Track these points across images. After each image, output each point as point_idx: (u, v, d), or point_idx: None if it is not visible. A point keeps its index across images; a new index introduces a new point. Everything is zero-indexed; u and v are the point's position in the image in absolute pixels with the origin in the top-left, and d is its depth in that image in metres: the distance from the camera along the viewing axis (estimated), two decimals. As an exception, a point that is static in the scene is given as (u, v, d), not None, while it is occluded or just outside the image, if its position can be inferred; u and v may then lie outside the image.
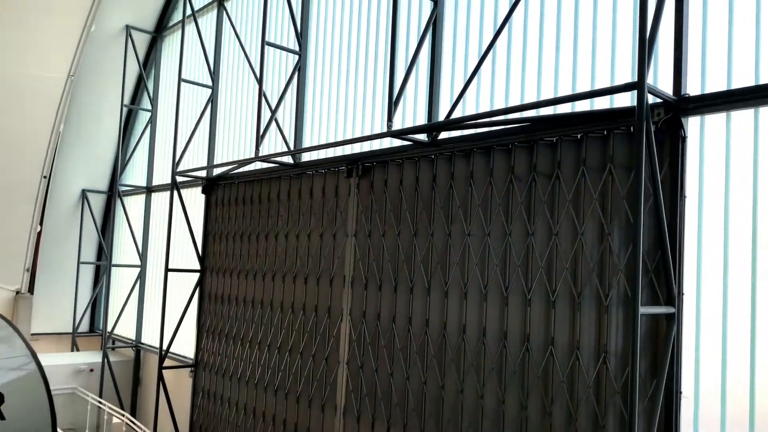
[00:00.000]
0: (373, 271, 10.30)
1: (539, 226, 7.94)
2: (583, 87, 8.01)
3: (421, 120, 10.28)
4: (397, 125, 9.60)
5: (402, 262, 9.78)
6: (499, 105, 9.12)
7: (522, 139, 8.21)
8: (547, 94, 8.39)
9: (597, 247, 7.35)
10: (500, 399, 8.13)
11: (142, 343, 18.86)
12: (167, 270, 15.64)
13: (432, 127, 9.07)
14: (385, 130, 9.53)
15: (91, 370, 18.34)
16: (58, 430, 8.98)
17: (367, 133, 10.38)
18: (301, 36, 13.11)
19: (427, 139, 9.43)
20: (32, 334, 18.94)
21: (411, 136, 9.31)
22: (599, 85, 7.83)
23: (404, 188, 9.90)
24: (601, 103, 7.72)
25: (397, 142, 10.11)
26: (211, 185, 15.19)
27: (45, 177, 19.06)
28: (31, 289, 19.84)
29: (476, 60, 8.87)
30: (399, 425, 9.54)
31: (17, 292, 19.54)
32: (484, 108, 9.31)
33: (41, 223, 19.69)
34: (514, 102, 8.77)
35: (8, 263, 19.19)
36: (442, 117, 9.69)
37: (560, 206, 7.74)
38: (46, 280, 20.34)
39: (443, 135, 9.33)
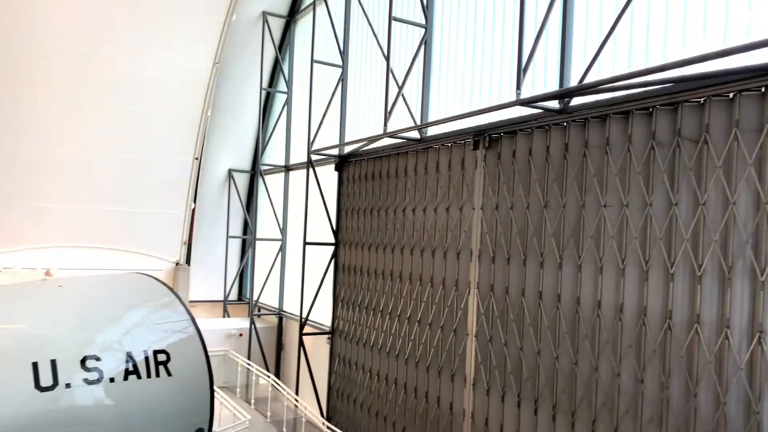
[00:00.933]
0: (501, 244, 10.15)
1: (684, 196, 7.33)
2: (737, 40, 7.19)
3: (552, 87, 9.85)
4: (525, 93, 9.29)
5: (531, 235, 9.53)
6: (638, 66, 8.47)
7: (664, 101, 7.59)
8: (693, 51, 7.66)
9: (752, 218, 6.65)
10: (638, 378, 7.72)
11: (284, 311, 20.22)
12: (305, 243, 16.56)
13: (564, 93, 8.66)
14: (513, 99, 9.25)
15: (240, 335, 20.05)
16: (214, 387, 9.95)
17: (494, 103, 10.16)
18: (427, 8, 13.06)
19: (558, 105, 9.03)
20: (190, 301, 21.06)
21: (541, 103, 8.97)
22: (757, 37, 6.99)
23: (533, 159, 9.59)
24: (758, 57, 6.89)
25: (525, 111, 9.79)
26: (342, 162, 15.76)
27: (196, 159, 20.92)
28: (188, 261, 22.03)
29: (612, 18, 8.29)
30: (530, 399, 9.42)
31: (176, 264, 21.81)
32: (621, 70, 8.69)
33: (195, 201, 21.69)
34: (655, 62, 8.10)
35: (168, 238, 21.43)
36: (574, 82, 9.22)
37: (708, 173, 7.08)
38: (200, 252, 22.43)
39: (576, 101, 8.88)
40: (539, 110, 9.22)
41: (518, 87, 9.12)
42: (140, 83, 18.81)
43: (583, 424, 8.48)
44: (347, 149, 15.58)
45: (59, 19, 17.08)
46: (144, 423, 8.71)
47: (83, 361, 8.22)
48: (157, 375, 8.91)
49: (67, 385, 7.96)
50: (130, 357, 8.71)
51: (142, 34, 18.19)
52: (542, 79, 10.09)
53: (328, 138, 17.24)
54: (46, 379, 7.81)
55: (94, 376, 8.27)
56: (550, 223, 9.19)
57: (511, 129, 10.06)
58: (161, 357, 9.05)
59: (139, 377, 8.70)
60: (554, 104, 9.01)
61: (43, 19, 16.85)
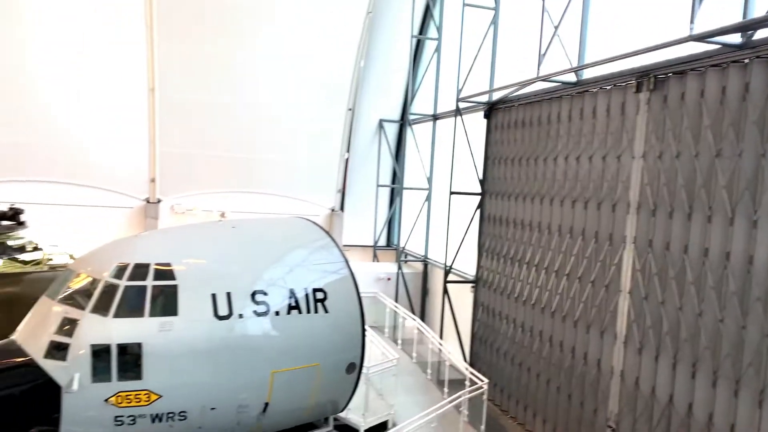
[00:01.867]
0: (663, 196, 9.41)
1: None
2: None
3: (733, 19, 8.71)
4: (698, 29, 8.32)
5: (699, 186, 8.71)
6: None
7: None
8: None
9: None
10: (823, 348, 6.90)
11: (429, 258, 20.68)
12: (451, 193, 16.63)
13: (747, 25, 7.64)
14: (685, 34, 8.34)
15: (389, 279, 20.95)
16: (365, 326, 10.59)
17: (662, 41, 9.22)
18: (587, -60, 12.04)
19: (739, 40, 8.00)
20: (343, 245, 22.31)
21: (719, 38, 8.01)
22: None
23: (706, 101, 8.66)
24: None
25: (699, 48, 8.80)
26: (491, 109, 15.41)
27: (350, 109, 21.68)
28: (342, 207, 23.25)
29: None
30: (687, 362, 8.84)
31: (332, 210, 23.11)
32: (824, -5, 7.44)
33: (348, 150, 22.62)
34: None
35: (325, 185, 22.73)
36: (759, 12, 8.07)
37: None
38: (352, 199, 23.51)
39: (760, 34, 7.80)
40: (716, 46, 8.24)
41: (691, 21, 8.20)
42: (297, 36, 19.72)
43: (749, 393, 7.81)
44: (497, 96, 15.18)
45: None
46: (303, 354, 9.57)
47: (253, 295, 9.17)
48: (316, 311, 9.68)
49: (240, 316, 8.96)
50: (292, 293, 9.54)
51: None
52: (719, 12, 8.95)
53: (477, 85, 16.89)
54: (222, 309, 8.85)
55: (262, 308, 9.20)
56: (723, 173, 8.32)
57: (680, 68, 9.13)
58: (319, 295, 9.79)
59: (300, 312, 9.52)
60: (734, 38, 8.00)
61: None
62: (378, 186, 23.55)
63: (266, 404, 9.22)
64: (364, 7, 19.68)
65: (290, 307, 9.47)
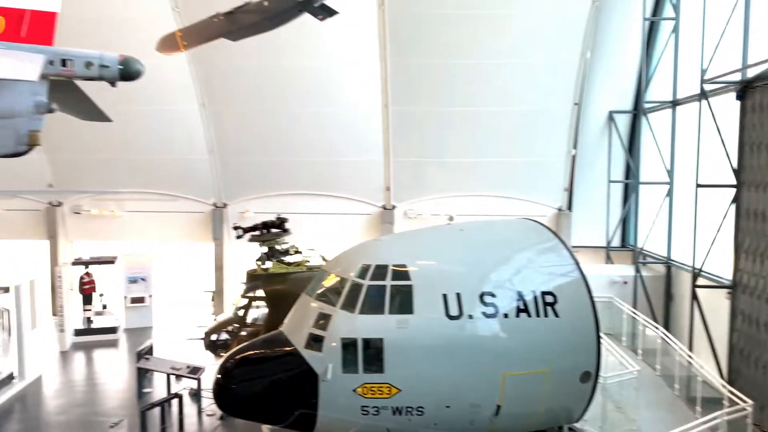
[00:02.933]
0: None
1: None
2: None
3: None
4: None
5: None
6: None
7: None
8: None
9: None
10: None
11: (673, 260, 18.78)
12: (698, 186, 14.94)
13: None
14: None
15: (625, 283, 19.50)
16: (600, 333, 10.06)
17: None
18: None
19: None
20: (572, 246, 21.44)
21: None
22: None
23: None
24: None
25: None
26: (746, 89, 13.47)
27: (576, 104, 20.79)
28: (569, 207, 22.37)
29: None
30: None
31: (558, 209, 22.38)
32: None
33: (575, 147, 21.69)
34: None
35: (551, 184, 22.12)
36: None
37: None
38: (581, 198, 22.46)
39: None
40: None
41: None
42: (518, 37, 19.57)
43: None
44: (752, 72, 13.22)
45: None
46: (533, 358, 9.48)
47: (481, 296, 9.39)
48: (545, 315, 9.53)
49: (470, 316, 9.25)
50: (520, 296, 9.53)
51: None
52: None
53: (724, 64, 14.92)
54: (453, 309, 9.23)
55: (490, 310, 9.37)
56: None
57: None
58: (548, 298, 9.62)
59: (528, 315, 9.47)
60: None
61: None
62: (609, 182, 22.13)
63: (498, 407, 9.35)
64: (589, -2, 18.77)
65: (519, 310, 9.47)
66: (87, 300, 22.43)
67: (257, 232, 16.35)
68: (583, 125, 21.74)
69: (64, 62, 7.39)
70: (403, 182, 22.66)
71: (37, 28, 7.32)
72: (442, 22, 19.32)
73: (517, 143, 21.42)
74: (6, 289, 16.20)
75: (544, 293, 9.65)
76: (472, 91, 20.59)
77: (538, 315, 9.50)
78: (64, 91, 8.02)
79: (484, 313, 9.31)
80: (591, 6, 18.91)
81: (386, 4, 19.01)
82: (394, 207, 23.00)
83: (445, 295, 9.29)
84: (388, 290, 9.24)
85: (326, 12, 11.46)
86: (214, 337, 15.84)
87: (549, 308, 9.57)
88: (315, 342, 9.25)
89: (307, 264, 15.70)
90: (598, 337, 9.86)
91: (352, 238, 21.45)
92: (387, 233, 21.97)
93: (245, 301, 15.74)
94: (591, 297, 9.91)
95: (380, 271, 9.38)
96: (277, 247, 16.06)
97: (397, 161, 22.19)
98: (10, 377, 16.00)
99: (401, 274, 9.40)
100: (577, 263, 10.26)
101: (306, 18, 11.66)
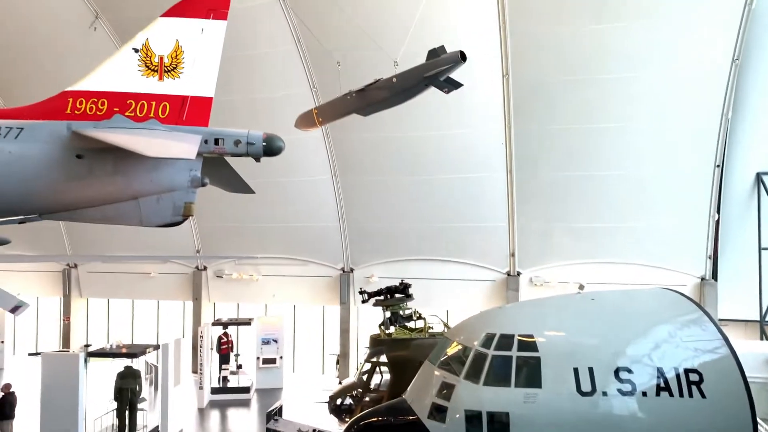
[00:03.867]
0: None
1: None
2: None
3: None
4: None
5: None
6: None
7: None
8: None
9: None
10: None
11: None
12: None
13: None
14: None
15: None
16: (758, 419, 8.93)
17: None
18: None
19: None
20: (719, 319, 19.43)
21: None
22: None
23: None
24: None
25: None
26: None
27: (718, 166, 19.40)
28: (714, 276, 20.46)
29: None
30: None
31: (702, 279, 20.54)
32: None
33: (718, 211, 20.06)
34: None
35: (691, 251, 20.46)
36: None
37: None
38: (727, 266, 20.51)
39: None
40: None
41: None
42: (650, 99, 18.88)
43: None
44: None
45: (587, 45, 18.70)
46: (678, 443, 8.59)
47: (617, 372, 8.77)
48: (690, 395, 8.68)
49: (604, 393, 8.64)
50: (660, 373, 8.79)
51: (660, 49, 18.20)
52: None
53: None
54: (585, 385, 8.69)
55: (627, 387, 8.70)
56: None
57: None
58: (693, 376, 8.78)
59: (671, 395, 8.66)
60: None
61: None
62: (761, 249, 20.05)
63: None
64: (729, 55, 17.77)
65: (659, 388, 8.71)
66: (224, 359, 23.80)
67: (381, 297, 16.64)
68: (728, 188, 20.13)
69: (216, 141, 8.31)
70: (528, 248, 22.12)
71: (195, 112, 8.35)
72: (569, 88, 19.20)
73: (652, 208, 20.25)
74: (157, 347, 17.72)
75: (687, 371, 8.83)
76: (600, 154, 19.99)
77: (681, 395, 8.67)
78: (215, 166, 8.97)
79: (619, 390, 8.67)
80: (732, 65, 17.90)
81: (510, 73, 19.30)
82: (519, 274, 22.43)
83: (576, 369, 8.80)
84: (514, 361, 8.94)
85: (452, 85, 11.87)
86: (338, 401, 16.06)
87: (694, 387, 8.71)
88: (438, 412, 9.10)
89: (430, 330, 15.65)
90: (755, 423, 8.75)
91: (476, 304, 21.16)
92: (512, 301, 21.39)
93: (369, 366, 15.91)
94: (744, 377, 8.88)
95: (506, 341, 9.13)
96: (401, 312, 16.21)
97: (522, 227, 21.81)
98: (155, 431, 17.19)
99: (528, 344, 9.07)
100: (726, 338, 9.31)
101: (431, 90, 12.17)
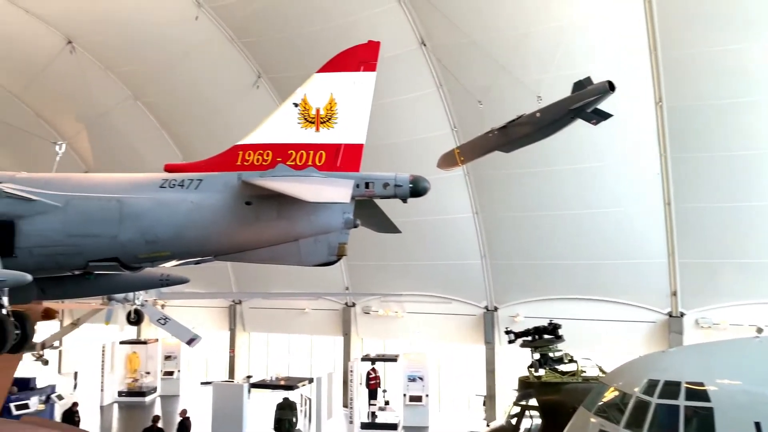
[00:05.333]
0: None
1: None
2: None
3: None
4: None
5: None
6: None
7: None
8: None
9: None
10: None
11: None
12: None
13: None
14: None
15: None
16: None
17: None
18: None
19: None
20: None
21: None
22: None
23: None
24: None
25: None
26: None
27: None
28: None
29: None
30: None
31: None
32: None
33: None
34: None
35: None
36: None
37: None
38: None
39: None
40: None
41: None
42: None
43: None
44: None
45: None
46: None
47: (808, 428, 7.66)
48: None
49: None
50: None
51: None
52: None
53: None
54: (772, 441, 7.68)
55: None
56: None
57: None
58: None
59: None
60: None
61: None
62: None
63: None
64: None
65: None
66: (372, 395, 24.31)
67: (529, 338, 16.13)
68: None
69: (367, 184, 8.75)
70: (692, 287, 20.22)
71: (348, 158, 8.89)
72: (727, 111, 17.63)
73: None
74: (311, 380, 18.64)
75: None
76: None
77: None
78: (365, 208, 9.44)
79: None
80: None
81: (664, 100, 18.17)
82: (682, 314, 20.52)
83: (758, 424, 7.82)
84: (682, 412, 8.15)
85: (600, 116, 11.45)
86: (487, 444, 15.69)
87: None
88: (598, 462, 8.56)
89: (583, 374, 14.80)
90: None
91: (633, 348, 19.63)
92: (675, 344, 19.57)
93: (518, 409, 15.37)
94: None
95: (671, 389, 8.38)
96: (551, 354, 15.56)
97: (683, 263, 20.03)
98: (310, 463, 17.98)
99: (698, 393, 8.24)
100: None
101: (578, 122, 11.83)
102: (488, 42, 18.26)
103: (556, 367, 15.25)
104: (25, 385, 20.57)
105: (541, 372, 15.13)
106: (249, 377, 23.46)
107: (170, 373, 30.00)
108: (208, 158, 9.36)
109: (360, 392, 23.35)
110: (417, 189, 8.75)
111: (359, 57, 8.79)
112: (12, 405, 18.57)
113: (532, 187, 21.24)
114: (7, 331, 8.10)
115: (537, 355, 15.61)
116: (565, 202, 20.94)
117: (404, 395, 23.94)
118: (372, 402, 24.04)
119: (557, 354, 15.57)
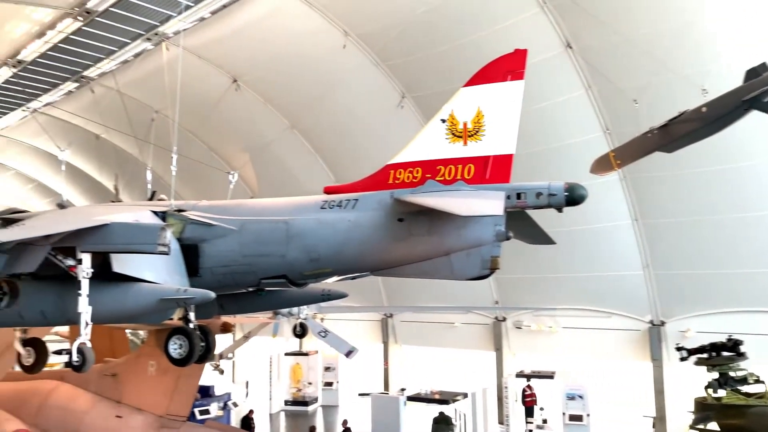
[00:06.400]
0: None
1: None
2: None
3: None
4: None
5: None
6: None
7: None
8: None
9: None
10: None
11: None
12: None
13: None
14: None
15: None
16: None
17: None
18: None
19: None
20: None
21: None
22: None
23: None
24: None
25: None
26: None
27: None
28: None
29: None
30: None
31: None
32: None
33: None
34: None
35: None
36: None
37: None
38: None
39: None
40: None
41: None
42: None
43: None
44: None
45: None
46: None
47: None
48: None
49: None
50: None
51: None
52: None
53: None
54: None
55: None
56: None
57: None
58: None
59: None
60: None
61: None
62: None
63: None
64: None
65: None
66: (529, 413, 23.55)
67: (704, 355, 14.70)
68: None
69: (518, 195, 8.58)
70: None
71: (497, 170, 8.78)
72: None
73: None
74: (465, 395, 18.55)
75: None
76: None
77: None
78: (517, 219, 9.24)
79: None
80: None
81: None
82: None
83: None
84: None
85: (784, 104, 10.23)
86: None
87: None
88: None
89: (774, 397, 13.16)
90: None
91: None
92: None
93: (696, 433, 14.05)
94: None
95: None
96: (731, 373, 14.05)
97: None
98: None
99: None
100: None
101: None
102: (641, 39, 17.13)
103: (739, 388, 13.70)
104: (205, 392, 22.72)
105: (721, 393, 13.68)
106: (403, 390, 23.90)
107: (330, 384, 31.50)
108: (362, 179, 9.79)
109: (515, 409, 22.74)
110: (573, 197, 8.40)
111: (506, 67, 8.70)
112: (196, 410, 20.58)
113: (698, 189, 19.39)
114: (194, 343, 9.07)
115: (715, 374, 14.17)
116: (740, 204, 18.85)
117: (563, 414, 22.86)
118: (529, 420, 23.28)
119: (740, 373, 14.02)
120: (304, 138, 27.55)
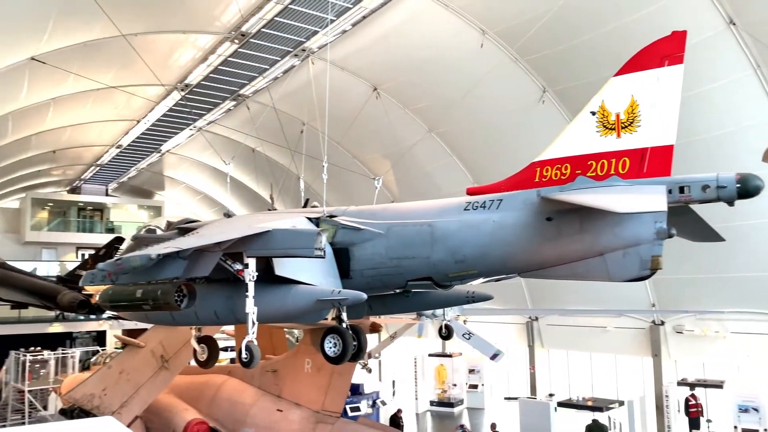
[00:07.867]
0: None
1: None
2: None
3: None
4: None
5: None
6: None
7: None
8: None
9: None
10: None
11: None
12: None
13: None
14: None
15: None
16: None
17: None
18: None
19: None
20: None
21: None
22: None
23: None
24: None
25: None
26: None
27: None
28: None
29: None
30: None
31: None
32: None
33: None
34: None
35: None
36: None
37: None
38: None
39: None
40: None
41: None
42: None
43: None
44: None
45: None
46: None
47: None
48: None
49: None
50: None
51: None
52: None
53: None
54: None
55: None
56: None
57: None
58: None
59: None
60: None
61: None
62: None
63: None
64: None
65: None
66: (693, 424, 21.63)
67: None
68: None
69: (681, 189, 7.91)
70: None
71: (656, 162, 8.14)
72: None
73: None
74: (621, 403, 17.46)
75: None
76: None
77: None
78: (680, 215, 8.51)
79: None
80: None
81: None
82: None
83: None
84: None
85: None
86: None
87: None
88: None
89: None
90: None
91: None
92: None
93: None
94: None
95: None
96: None
97: None
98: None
99: None
100: None
101: None
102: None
103: None
104: (356, 390, 23.66)
105: None
106: (552, 395, 23.04)
107: (474, 387, 31.27)
108: (505, 178, 9.61)
109: (678, 420, 20.98)
110: (747, 189, 7.59)
111: (662, 51, 8.06)
112: (348, 407, 21.49)
113: None
114: (347, 343, 9.46)
115: None
116: None
117: (734, 427, 20.68)
118: (693, 432, 21.40)
119: None
120: (442, 141, 27.65)
